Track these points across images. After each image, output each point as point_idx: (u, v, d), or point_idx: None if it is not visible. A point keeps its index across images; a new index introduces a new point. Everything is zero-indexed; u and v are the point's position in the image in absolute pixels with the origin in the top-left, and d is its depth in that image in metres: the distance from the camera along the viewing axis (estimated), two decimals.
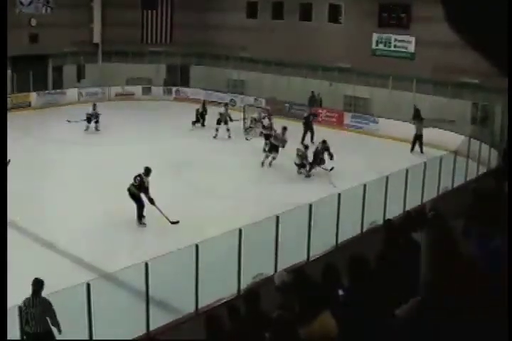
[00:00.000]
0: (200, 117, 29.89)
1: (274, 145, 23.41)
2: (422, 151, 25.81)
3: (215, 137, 27.60)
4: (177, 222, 16.17)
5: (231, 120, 28.09)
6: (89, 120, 28.58)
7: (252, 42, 34.86)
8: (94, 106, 29.06)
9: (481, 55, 2.19)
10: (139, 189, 16.85)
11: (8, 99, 31.73)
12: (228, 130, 27.78)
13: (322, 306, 5.63)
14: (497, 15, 2.11)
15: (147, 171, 17.15)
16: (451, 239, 7.26)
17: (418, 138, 26.07)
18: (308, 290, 6.05)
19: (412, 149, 26.06)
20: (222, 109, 28.49)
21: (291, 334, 5.50)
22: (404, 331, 5.31)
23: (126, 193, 17.15)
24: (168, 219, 16.03)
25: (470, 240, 7.09)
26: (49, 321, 9.45)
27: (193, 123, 29.72)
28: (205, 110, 30.02)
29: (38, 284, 9.56)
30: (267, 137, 25.15)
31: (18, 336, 8.92)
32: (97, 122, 28.84)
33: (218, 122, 27.91)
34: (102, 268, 13.32)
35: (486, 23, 2.12)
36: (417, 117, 28.33)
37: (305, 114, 27.93)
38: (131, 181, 16.93)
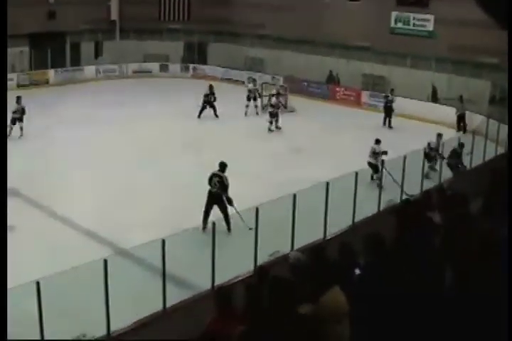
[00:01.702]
0: (209, 105, 26.68)
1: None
2: (464, 131, 25.14)
3: (246, 114, 27.41)
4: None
5: (260, 96, 28.00)
6: (13, 121, 22.34)
7: (271, 19, 34.59)
8: (18, 99, 23.01)
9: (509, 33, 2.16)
10: (222, 189, 14.86)
11: (27, 76, 31.86)
12: (257, 106, 27.74)
13: (334, 283, 5.64)
14: None
15: (222, 167, 15.11)
16: (470, 218, 7.23)
17: (461, 118, 25.86)
18: (324, 267, 6.06)
19: (458, 130, 25.66)
20: (250, 85, 28.25)
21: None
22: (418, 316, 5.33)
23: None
24: (242, 220, 13.76)
25: (489, 219, 7.07)
26: None
27: (200, 112, 26.68)
28: (212, 94, 26.69)
29: None
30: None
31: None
32: (20, 120, 22.67)
33: (248, 99, 27.67)
34: (118, 244, 13.41)
35: None
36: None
37: (389, 98, 26.89)
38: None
